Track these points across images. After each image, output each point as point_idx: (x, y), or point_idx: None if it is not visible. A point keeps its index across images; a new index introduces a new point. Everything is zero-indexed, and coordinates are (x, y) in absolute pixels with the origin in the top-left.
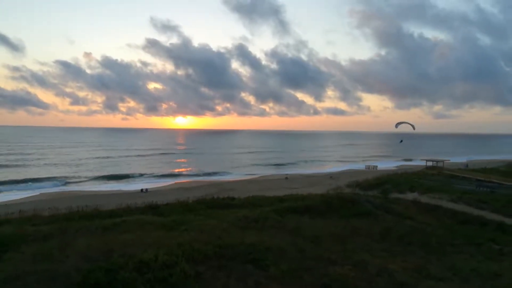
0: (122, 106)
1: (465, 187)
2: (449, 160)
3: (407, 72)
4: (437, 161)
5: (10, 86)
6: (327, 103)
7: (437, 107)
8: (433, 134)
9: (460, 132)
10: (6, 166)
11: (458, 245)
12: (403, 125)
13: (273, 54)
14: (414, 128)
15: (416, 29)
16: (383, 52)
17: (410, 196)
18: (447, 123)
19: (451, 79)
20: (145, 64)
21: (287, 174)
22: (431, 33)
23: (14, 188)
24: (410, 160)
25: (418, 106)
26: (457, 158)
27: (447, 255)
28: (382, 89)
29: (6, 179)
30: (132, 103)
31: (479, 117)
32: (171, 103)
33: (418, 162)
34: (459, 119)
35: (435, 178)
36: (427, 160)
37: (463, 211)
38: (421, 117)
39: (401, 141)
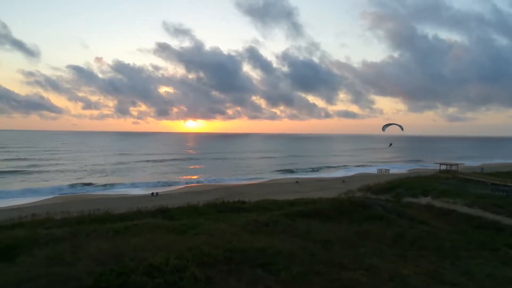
0: (133, 110)
1: (480, 191)
2: (463, 163)
3: (421, 74)
4: (451, 165)
5: (24, 91)
6: (339, 106)
7: (452, 110)
8: (447, 137)
9: (475, 135)
10: (22, 172)
11: (472, 250)
12: (393, 127)
13: (285, 57)
14: (402, 129)
15: (431, 31)
16: (396, 54)
17: (423, 200)
18: (462, 126)
19: (466, 81)
20: (156, 68)
21: (297, 178)
22: (446, 35)
23: (28, 193)
24: (423, 163)
25: (432, 109)
26: (472, 161)
27: (461, 260)
28: (395, 92)
29: (22, 185)
30: (143, 107)
31: (494, 119)
32: (182, 107)
33: (431, 165)
34: (474, 121)
35: (449, 182)
36: (440, 164)
37: (478, 215)
38: (435, 120)
39: (391, 144)
